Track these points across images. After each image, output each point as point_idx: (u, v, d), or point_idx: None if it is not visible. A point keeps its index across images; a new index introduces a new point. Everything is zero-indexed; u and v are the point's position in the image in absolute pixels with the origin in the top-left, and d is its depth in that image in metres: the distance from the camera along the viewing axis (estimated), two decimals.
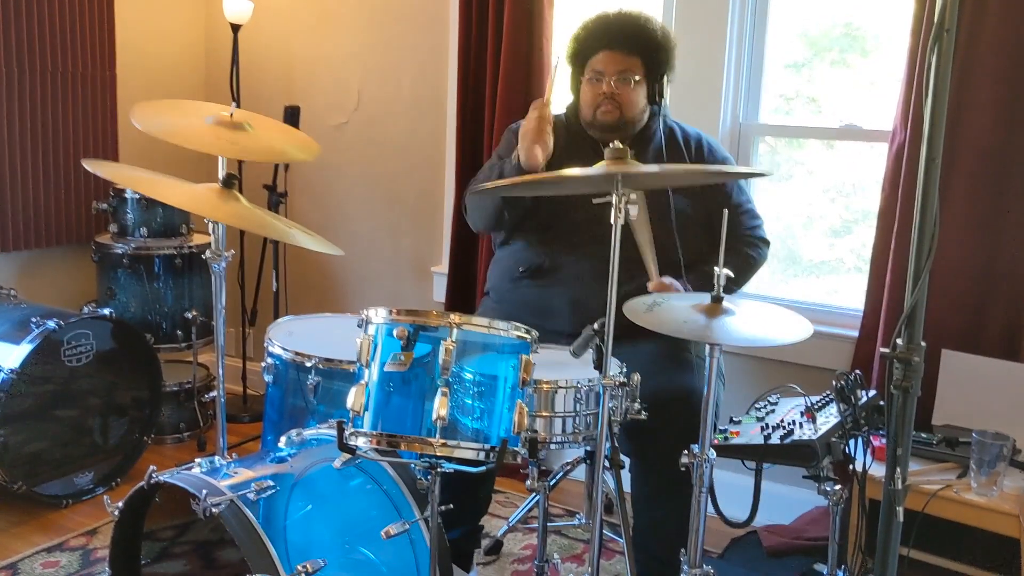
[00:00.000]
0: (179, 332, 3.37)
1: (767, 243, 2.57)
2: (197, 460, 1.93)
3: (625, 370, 2.09)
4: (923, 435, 2.40)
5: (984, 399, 2.45)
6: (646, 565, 2.29)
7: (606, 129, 2.44)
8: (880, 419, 1.91)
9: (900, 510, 1.53)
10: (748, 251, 2.50)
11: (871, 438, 1.99)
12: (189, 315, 3.36)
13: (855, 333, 2.74)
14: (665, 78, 2.48)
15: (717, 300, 1.88)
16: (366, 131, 3.68)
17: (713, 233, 2.08)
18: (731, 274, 1.88)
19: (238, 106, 2.71)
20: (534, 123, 2.32)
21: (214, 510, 1.72)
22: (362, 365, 1.70)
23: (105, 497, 1.97)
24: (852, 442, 1.95)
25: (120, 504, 1.92)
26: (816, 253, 3.11)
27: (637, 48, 2.43)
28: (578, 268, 2.44)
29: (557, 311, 2.44)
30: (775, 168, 3.11)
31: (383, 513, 1.95)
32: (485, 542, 2.68)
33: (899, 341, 1.48)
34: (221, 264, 2.27)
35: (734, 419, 2.10)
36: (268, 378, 2.37)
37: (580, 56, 2.49)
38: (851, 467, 2.03)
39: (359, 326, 1.75)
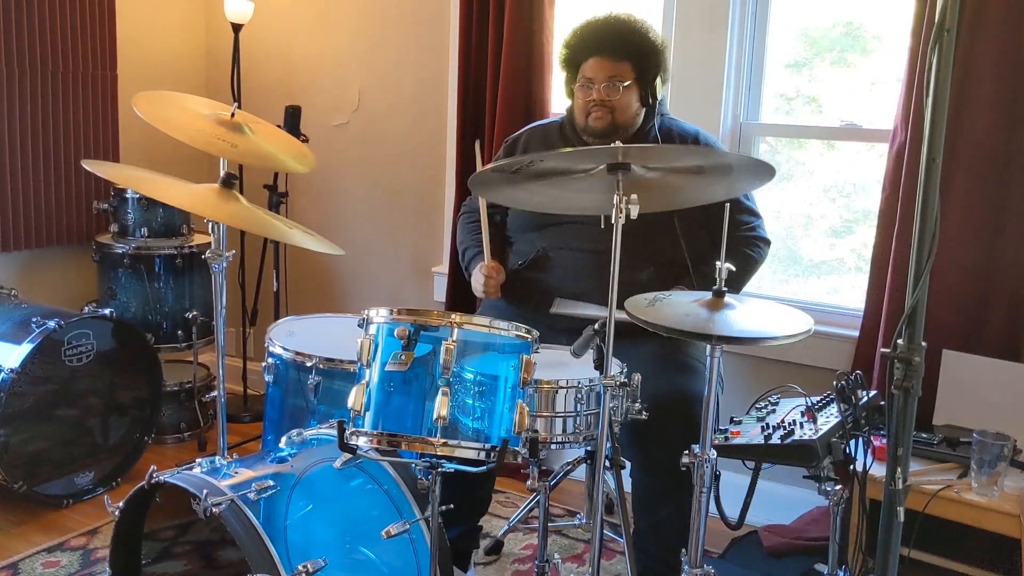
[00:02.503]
0: (179, 332, 3.37)
1: (767, 242, 2.55)
2: (198, 460, 1.93)
3: (625, 370, 2.09)
4: (924, 435, 2.40)
5: (985, 399, 2.45)
6: (647, 565, 2.29)
7: (598, 135, 2.46)
8: (881, 419, 1.91)
9: (901, 510, 1.53)
10: (747, 250, 2.48)
11: (872, 438, 1.99)
12: (189, 315, 3.36)
13: (856, 333, 2.74)
14: (658, 80, 2.49)
15: (719, 295, 1.88)
16: (367, 131, 3.68)
17: (714, 233, 2.08)
18: (732, 268, 1.88)
19: (239, 107, 2.70)
20: (487, 291, 2.48)
21: (215, 510, 1.72)
22: (363, 365, 1.71)
23: (106, 497, 1.97)
24: (853, 442, 1.95)
25: (121, 504, 1.92)
26: (816, 253, 3.11)
27: (626, 53, 2.43)
28: (573, 260, 2.44)
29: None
30: (775, 168, 3.10)
31: (384, 513, 1.95)
32: (485, 542, 2.68)
33: (900, 341, 1.48)
34: (221, 264, 2.28)
35: (735, 419, 2.10)
36: (268, 378, 2.37)
37: (571, 62, 2.51)
38: (852, 467, 2.03)
39: (360, 326, 1.75)
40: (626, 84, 2.43)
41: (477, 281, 2.51)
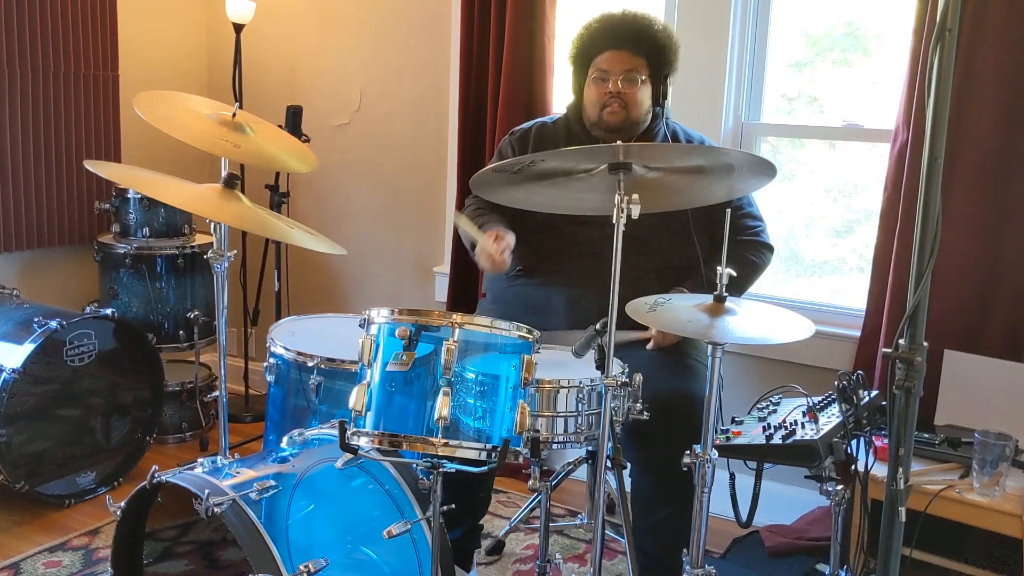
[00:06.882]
0: (181, 332, 3.37)
1: (770, 248, 2.54)
2: (199, 460, 1.93)
3: (627, 370, 2.09)
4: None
5: (986, 399, 2.45)
6: (648, 565, 2.29)
7: (611, 130, 2.44)
8: (882, 419, 1.91)
9: (902, 510, 1.53)
10: (748, 255, 2.47)
11: (873, 438, 1.99)
12: (191, 315, 3.36)
13: (857, 333, 2.74)
14: (668, 79, 2.49)
15: (720, 300, 1.88)
16: (368, 131, 3.68)
17: (714, 237, 2.06)
18: (733, 273, 1.88)
19: (240, 107, 2.70)
20: (490, 264, 2.29)
21: (216, 510, 1.72)
22: (364, 365, 1.71)
23: (107, 497, 1.97)
24: (854, 442, 1.95)
25: (122, 504, 1.92)
26: (818, 253, 3.11)
27: (643, 48, 2.43)
28: (573, 265, 2.44)
29: (554, 309, 2.44)
30: (777, 168, 3.10)
31: (385, 513, 1.95)
32: (487, 542, 2.68)
33: (901, 341, 1.48)
34: (223, 264, 2.28)
35: (736, 419, 2.10)
36: (270, 378, 2.37)
37: (584, 55, 2.48)
38: (853, 467, 2.03)
39: (361, 326, 1.76)
40: (642, 79, 2.43)
41: (484, 249, 2.30)
